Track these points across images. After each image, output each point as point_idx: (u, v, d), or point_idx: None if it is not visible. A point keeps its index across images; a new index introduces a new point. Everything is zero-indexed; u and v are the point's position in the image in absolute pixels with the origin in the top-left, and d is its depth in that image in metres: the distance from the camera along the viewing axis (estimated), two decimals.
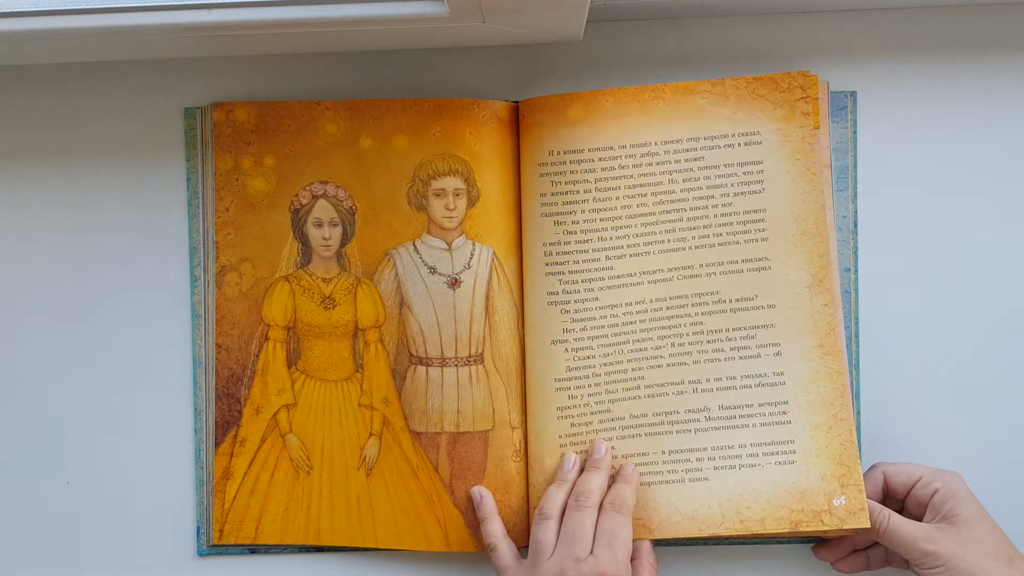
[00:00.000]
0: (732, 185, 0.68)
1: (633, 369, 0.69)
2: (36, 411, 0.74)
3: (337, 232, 0.71)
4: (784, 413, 0.68)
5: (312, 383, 0.71)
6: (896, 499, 0.68)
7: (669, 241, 0.69)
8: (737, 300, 0.69)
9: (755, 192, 0.68)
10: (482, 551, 0.69)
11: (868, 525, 0.66)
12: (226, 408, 0.71)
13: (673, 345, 0.69)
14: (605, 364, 0.69)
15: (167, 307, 0.73)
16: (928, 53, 0.71)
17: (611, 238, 0.69)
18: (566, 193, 0.69)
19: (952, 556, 0.63)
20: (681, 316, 0.69)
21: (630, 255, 0.69)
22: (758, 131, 0.68)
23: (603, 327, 0.69)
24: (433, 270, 0.70)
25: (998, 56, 0.71)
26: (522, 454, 0.70)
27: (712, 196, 0.69)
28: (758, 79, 0.69)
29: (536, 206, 0.70)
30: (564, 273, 0.69)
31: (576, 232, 0.69)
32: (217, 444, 0.71)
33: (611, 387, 0.69)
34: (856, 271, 0.70)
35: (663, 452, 0.69)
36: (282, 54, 0.72)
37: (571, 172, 0.69)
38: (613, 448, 0.69)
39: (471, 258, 0.70)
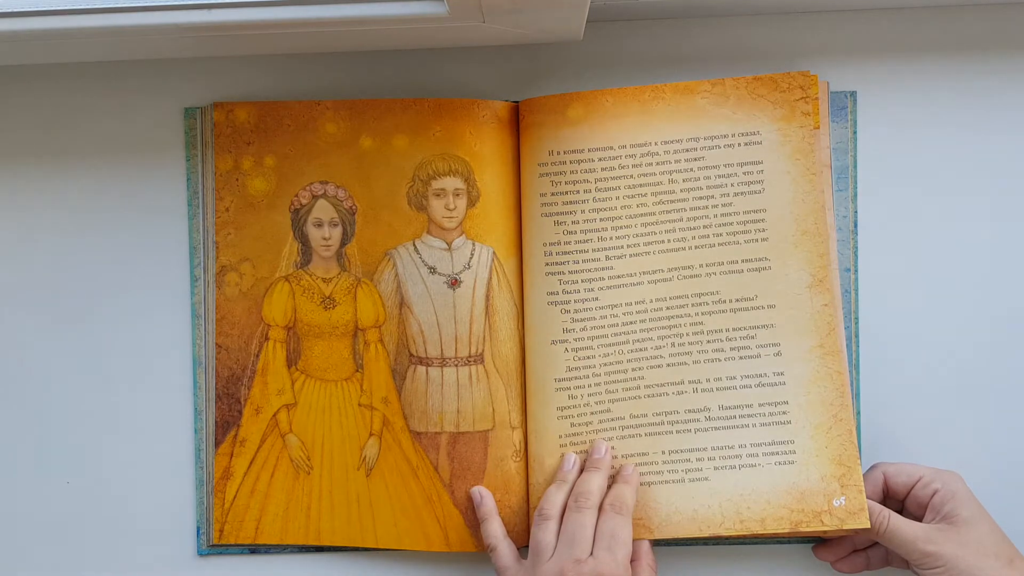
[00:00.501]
0: (732, 185, 0.68)
1: (633, 369, 0.69)
2: (36, 411, 0.74)
3: (337, 232, 0.71)
4: (784, 413, 0.68)
5: (312, 383, 0.71)
6: (896, 499, 0.68)
7: (669, 241, 0.69)
8: (737, 300, 0.69)
9: (755, 192, 0.68)
10: (482, 551, 0.69)
11: (868, 526, 0.66)
12: (226, 408, 0.71)
13: (673, 345, 0.69)
14: (605, 364, 0.69)
15: (167, 307, 0.73)
16: (928, 53, 0.71)
17: (611, 238, 0.69)
18: (566, 193, 0.69)
19: (952, 556, 0.63)
20: (681, 316, 0.69)
21: (630, 255, 0.69)
22: (758, 131, 0.68)
23: (603, 327, 0.69)
24: (433, 270, 0.70)
25: (998, 56, 0.71)
26: (522, 454, 0.70)
27: (712, 196, 0.68)
28: (758, 79, 0.69)
29: (536, 206, 0.70)
30: (564, 273, 0.69)
31: (576, 232, 0.69)
32: (217, 444, 0.71)
33: (611, 387, 0.69)
34: (856, 271, 0.70)
35: (663, 452, 0.69)
36: (282, 54, 0.72)
37: (571, 172, 0.69)
38: (613, 448, 0.69)
39: (471, 258, 0.70)
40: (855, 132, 0.70)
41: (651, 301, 0.69)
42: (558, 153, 0.69)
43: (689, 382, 0.69)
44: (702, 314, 0.69)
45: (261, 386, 0.71)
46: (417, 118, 0.70)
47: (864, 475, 0.68)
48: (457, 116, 0.70)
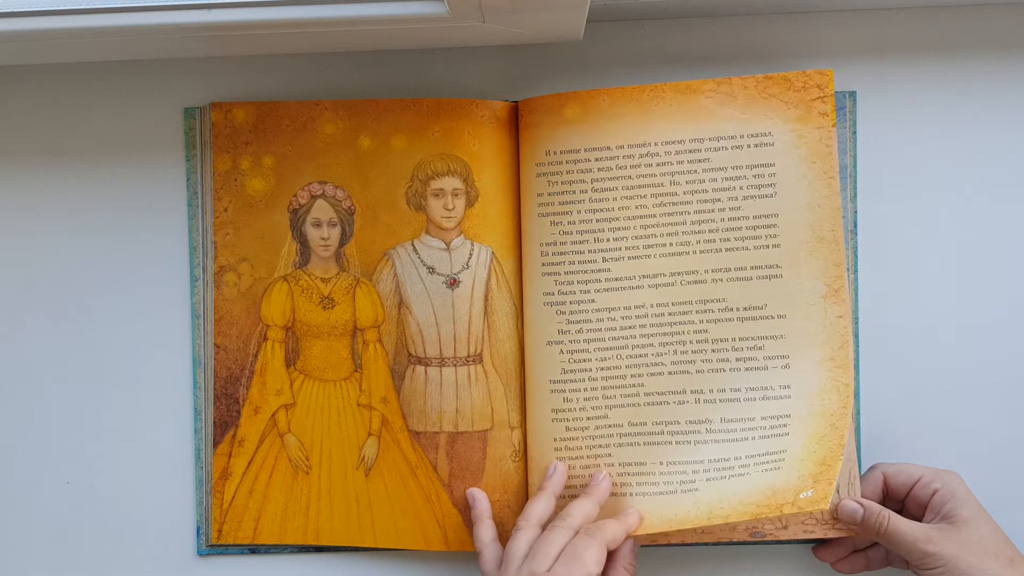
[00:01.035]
0: (741, 188, 0.67)
1: (632, 375, 0.68)
2: (35, 411, 0.74)
3: (336, 232, 0.71)
4: (784, 426, 0.66)
5: (311, 383, 0.71)
6: (896, 499, 0.68)
7: (671, 244, 0.67)
8: (745, 309, 0.67)
9: (766, 196, 0.66)
10: None
11: (827, 508, 0.63)
12: (225, 408, 0.71)
13: (675, 353, 0.67)
14: (602, 368, 0.68)
15: (166, 307, 0.73)
16: (928, 53, 0.71)
17: (608, 239, 0.68)
18: (562, 193, 0.68)
19: (952, 556, 0.63)
20: (684, 323, 0.67)
21: (628, 257, 0.68)
22: (769, 132, 0.67)
23: (599, 330, 0.68)
24: (432, 270, 0.70)
25: (998, 56, 0.70)
26: (521, 454, 0.70)
27: (719, 199, 0.67)
28: (769, 78, 0.67)
29: (534, 206, 0.69)
30: (560, 274, 0.69)
31: (572, 232, 0.68)
32: (216, 444, 0.71)
33: (608, 392, 0.68)
34: (856, 271, 0.70)
35: (661, 463, 0.67)
36: (282, 54, 0.73)
37: (567, 172, 0.68)
38: (610, 456, 0.68)
39: (470, 258, 0.70)
40: (855, 132, 0.70)
41: (652, 306, 0.68)
42: (555, 153, 0.69)
43: (692, 392, 0.67)
44: (707, 322, 0.67)
45: (260, 386, 0.71)
46: (416, 118, 0.70)
47: (864, 475, 0.68)
48: (456, 116, 0.70)
